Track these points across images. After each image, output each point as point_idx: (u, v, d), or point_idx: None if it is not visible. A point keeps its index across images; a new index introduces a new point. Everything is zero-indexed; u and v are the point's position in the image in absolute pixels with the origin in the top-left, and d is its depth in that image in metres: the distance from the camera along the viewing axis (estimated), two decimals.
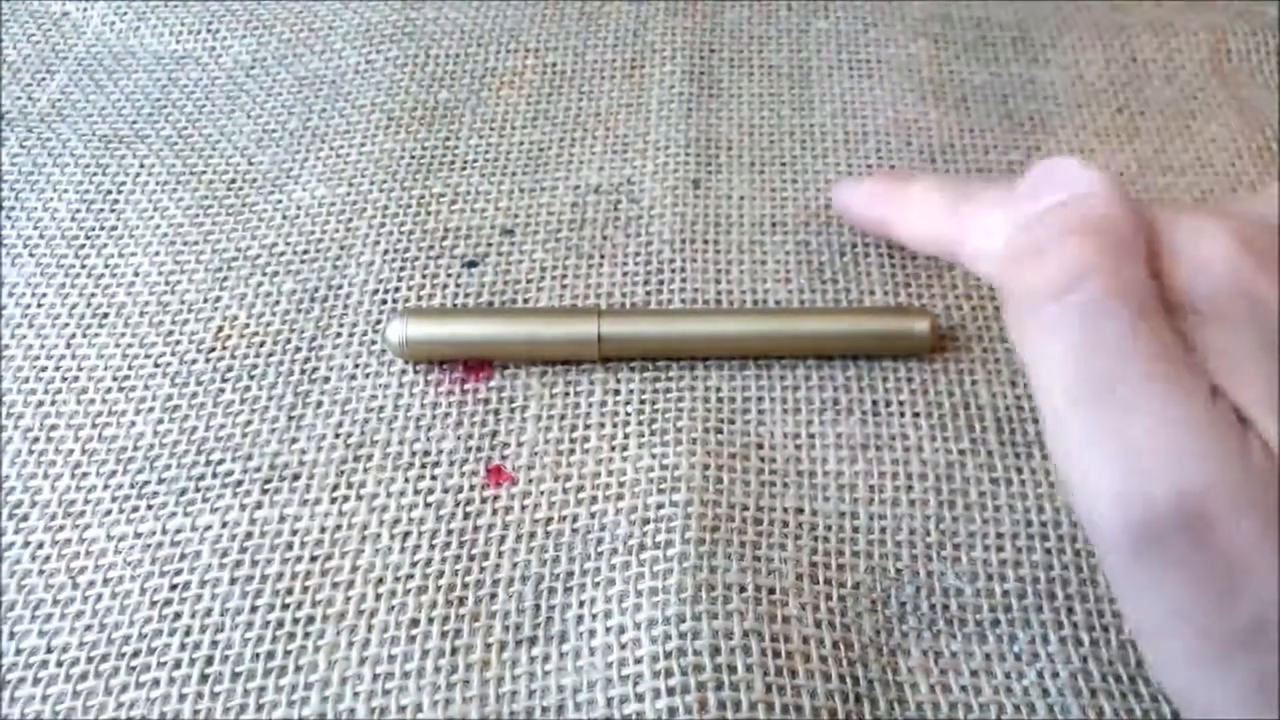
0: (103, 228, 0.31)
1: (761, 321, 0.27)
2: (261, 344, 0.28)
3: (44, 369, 0.27)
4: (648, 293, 0.29)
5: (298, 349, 0.28)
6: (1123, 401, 0.19)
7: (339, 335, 0.28)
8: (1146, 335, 0.19)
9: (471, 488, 0.25)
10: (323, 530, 0.24)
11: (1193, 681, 0.19)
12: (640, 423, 0.26)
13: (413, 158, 0.33)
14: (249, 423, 0.26)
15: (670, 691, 0.21)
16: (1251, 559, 0.18)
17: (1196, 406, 0.19)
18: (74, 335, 0.28)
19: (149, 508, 0.25)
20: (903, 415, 0.26)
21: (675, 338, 0.27)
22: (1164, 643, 0.20)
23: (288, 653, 0.22)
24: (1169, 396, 0.19)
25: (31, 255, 0.30)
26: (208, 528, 0.24)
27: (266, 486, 0.25)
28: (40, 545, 0.24)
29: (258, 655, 0.22)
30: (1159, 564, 0.18)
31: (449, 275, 0.29)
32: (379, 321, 0.28)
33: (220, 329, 0.28)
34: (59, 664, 0.22)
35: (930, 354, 0.27)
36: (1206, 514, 0.18)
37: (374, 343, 0.28)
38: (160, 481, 0.25)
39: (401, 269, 0.29)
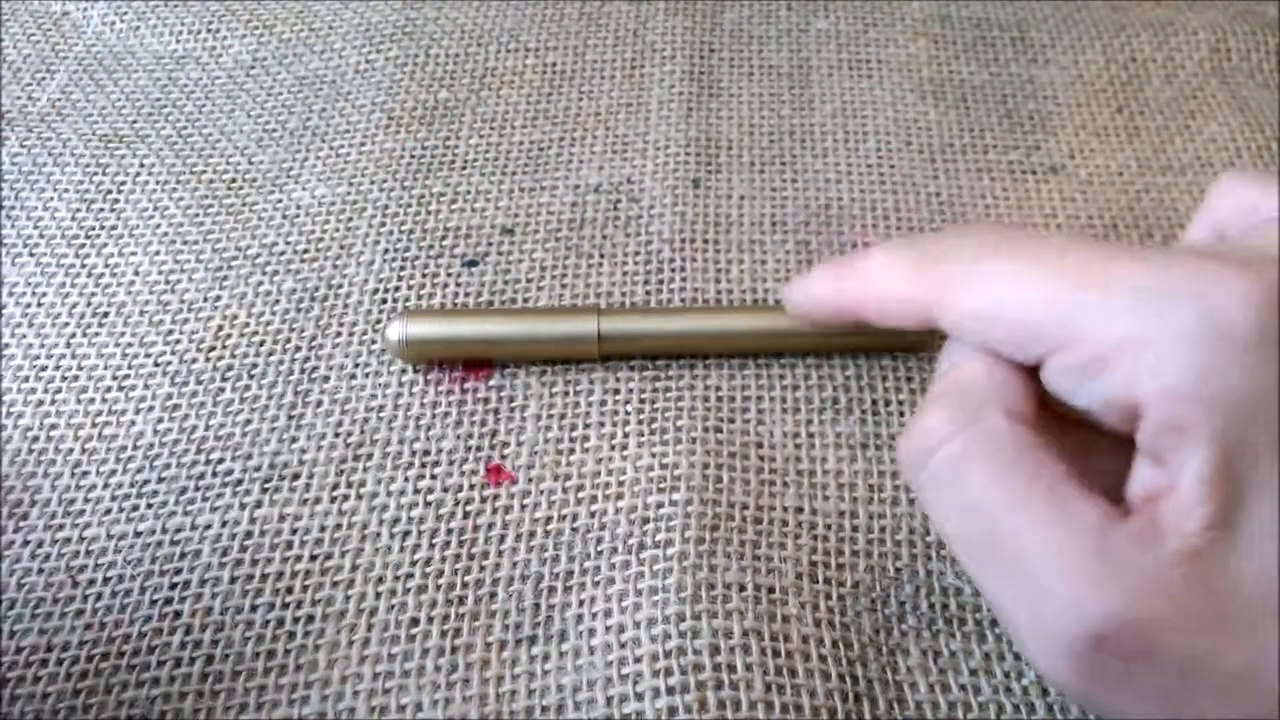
0: (103, 227, 0.31)
1: (760, 318, 0.27)
2: (261, 343, 0.28)
3: (44, 368, 0.27)
4: (648, 292, 0.29)
5: (298, 348, 0.28)
6: (1008, 558, 0.19)
7: (339, 334, 0.28)
8: (1017, 482, 0.19)
9: (471, 487, 0.25)
10: (322, 529, 0.24)
11: None
12: (640, 422, 0.26)
13: (413, 157, 0.33)
14: (249, 422, 0.26)
15: (670, 690, 0.21)
16: (1197, 663, 0.18)
17: (1086, 541, 0.18)
18: (74, 334, 0.28)
19: (149, 507, 0.25)
20: (902, 414, 0.26)
21: (674, 335, 0.27)
22: None
23: (288, 651, 0.22)
24: (1051, 542, 0.18)
25: (31, 255, 0.30)
26: (208, 526, 0.24)
27: (266, 485, 0.25)
28: (40, 544, 0.24)
29: (258, 654, 0.22)
30: (1102, 688, 0.18)
31: (449, 274, 0.29)
32: (379, 321, 0.28)
33: (220, 328, 0.28)
34: (59, 663, 0.22)
35: (929, 351, 0.27)
36: (1125, 641, 0.18)
37: (374, 342, 0.28)
38: (160, 480, 0.25)
39: (402, 268, 0.29)
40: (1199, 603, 0.18)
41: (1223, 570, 0.18)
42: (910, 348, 0.27)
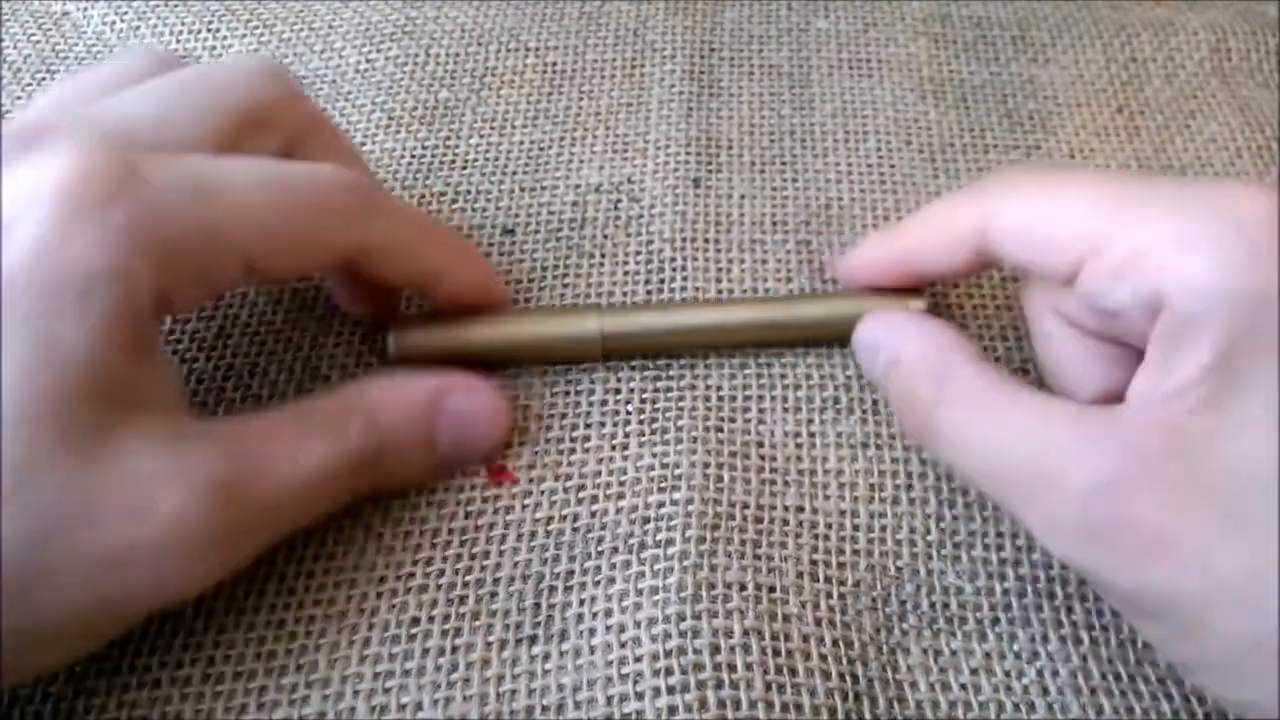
0: None
1: (758, 309, 0.27)
2: (264, 342, 0.28)
3: None
4: (649, 292, 0.29)
5: (299, 347, 0.28)
6: (1016, 469, 0.21)
7: (341, 333, 0.28)
8: (1001, 408, 0.22)
9: (473, 486, 0.25)
10: (325, 529, 0.24)
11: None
12: (641, 422, 0.26)
13: (413, 157, 0.33)
14: None
15: (670, 690, 0.21)
16: (1175, 528, 0.19)
17: (1066, 422, 0.21)
18: None
19: None
20: None
21: (673, 329, 0.27)
22: (1155, 634, 0.21)
23: (289, 652, 0.22)
24: (1037, 432, 0.21)
25: None
26: None
27: None
28: None
29: (259, 655, 0.22)
30: (1096, 558, 0.20)
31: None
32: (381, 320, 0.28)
33: (222, 327, 0.28)
34: None
35: None
36: (1105, 505, 0.19)
37: (376, 340, 0.28)
38: None
39: None
40: (1173, 471, 0.19)
41: (1206, 450, 0.19)
42: None
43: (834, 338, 0.27)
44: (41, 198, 0.19)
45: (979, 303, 0.29)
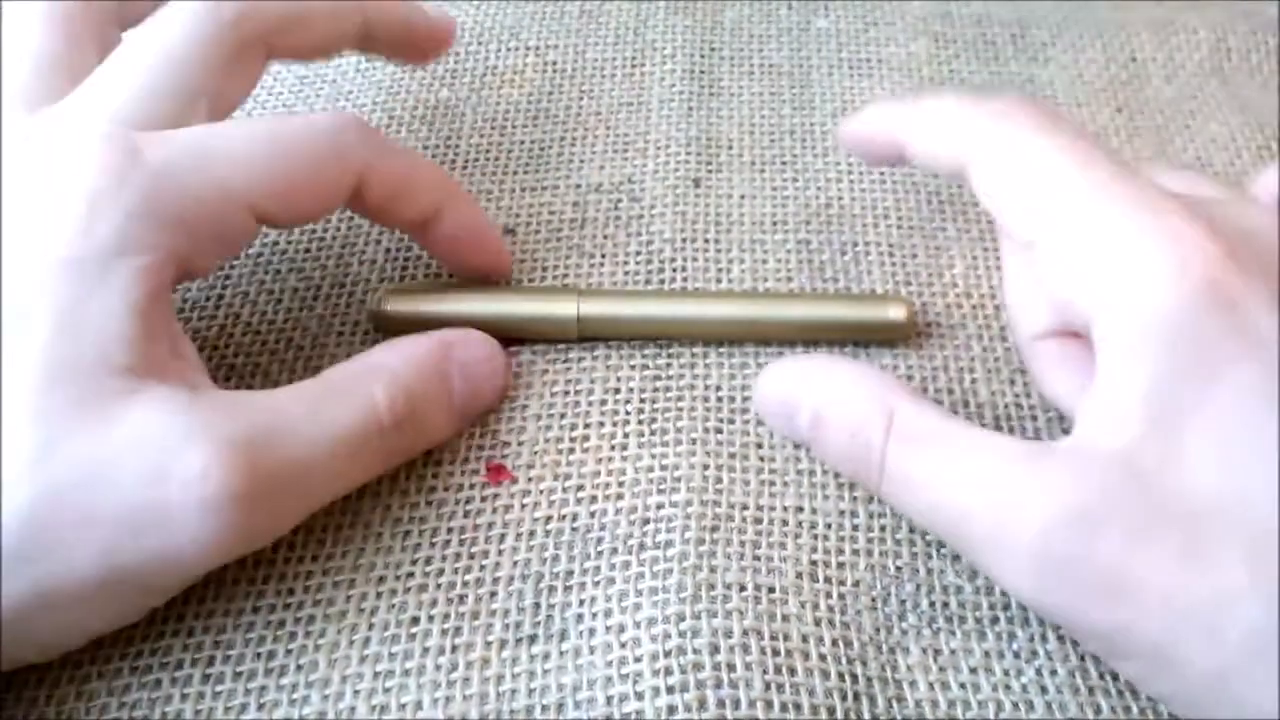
0: None
1: (740, 306, 0.28)
2: (265, 341, 0.28)
3: None
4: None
5: (300, 346, 0.28)
6: (962, 512, 0.21)
7: (342, 332, 0.28)
8: (948, 448, 0.22)
9: (472, 486, 0.25)
10: (324, 529, 0.24)
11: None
12: (640, 422, 0.26)
13: None
14: None
15: (670, 690, 0.21)
16: (1133, 567, 0.19)
17: (1020, 460, 0.20)
18: None
19: None
20: None
21: (648, 319, 0.27)
22: (1129, 670, 0.21)
23: (289, 652, 0.22)
24: (990, 469, 0.21)
25: None
26: None
27: None
28: None
29: (259, 655, 0.22)
30: (1051, 594, 0.20)
31: (452, 274, 0.29)
32: None
33: (224, 326, 0.28)
34: (62, 664, 0.22)
35: (913, 342, 0.28)
36: (1066, 539, 0.19)
37: (377, 341, 0.28)
38: None
39: (404, 266, 0.30)
40: (1127, 506, 0.19)
41: (1157, 480, 0.19)
42: (893, 339, 0.27)
43: (819, 338, 0.27)
44: (58, 186, 0.20)
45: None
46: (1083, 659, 0.22)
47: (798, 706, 0.21)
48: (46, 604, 0.19)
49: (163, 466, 0.19)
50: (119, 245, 0.20)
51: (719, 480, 0.25)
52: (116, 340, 0.20)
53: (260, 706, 0.22)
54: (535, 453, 0.26)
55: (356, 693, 0.22)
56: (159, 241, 0.20)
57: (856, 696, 0.22)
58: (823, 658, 0.22)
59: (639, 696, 0.21)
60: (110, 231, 0.20)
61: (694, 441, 0.26)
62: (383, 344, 0.25)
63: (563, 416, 0.26)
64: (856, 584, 0.24)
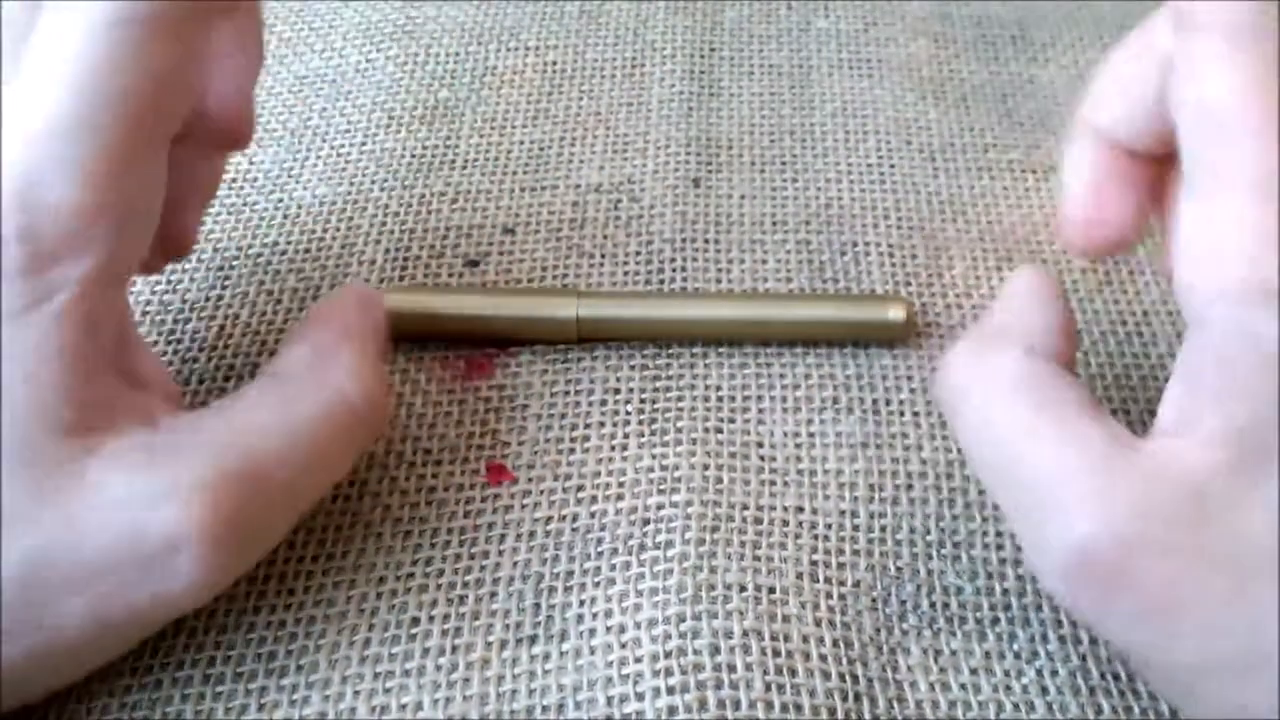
0: None
1: (740, 306, 0.28)
2: (264, 342, 0.28)
3: None
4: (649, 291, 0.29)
5: None
6: (1014, 480, 0.20)
7: None
8: (1024, 409, 0.20)
9: (472, 486, 0.25)
10: (324, 529, 0.24)
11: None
12: (640, 422, 0.26)
13: (414, 156, 0.33)
14: None
15: (670, 690, 0.21)
16: (1178, 598, 0.18)
17: (1085, 459, 0.19)
18: None
19: None
20: (903, 414, 0.26)
21: (650, 320, 0.27)
22: (1144, 673, 0.21)
23: (289, 652, 0.22)
24: (1051, 461, 0.19)
25: None
26: None
27: None
28: None
29: (259, 655, 0.22)
30: (1090, 606, 0.19)
31: (451, 274, 0.29)
32: None
33: (223, 327, 0.28)
34: None
35: (913, 342, 0.28)
36: (1108, 558, 0.18)
37: None
38: None
39: (404, 267, 0.30)
40: (1196, 536, 0.18)
41: (1223, 516, 0.18)
42: (893, 339, 0.27)
43: (819, 338, 0.27)
44: None
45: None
46: (1084, 659, 0.22)
47: (798, 707, 0.21)
48: (39, 665, 0.19)
49: (137, 527, 0.18)
50: (24, 301, 0.18)
51: (719, 480, 0.25)
52: (53, 398, 0.18)
53: (261, 707, 0.22)
54: (535, 453, 0.26)
55: (357, 693, 0.22)
56: (70, 274, 0.19)
57: (857, 697, 0.22)
58: (823, 658, 0.22)
59: (639, 697, 0.21)
60: (11, 294, 0.18)
61: (694, 441, 0.26)
62: (295, 332, 0.23)
63: (563, 416, 0.26)
64: (857, 585, 0.24)
